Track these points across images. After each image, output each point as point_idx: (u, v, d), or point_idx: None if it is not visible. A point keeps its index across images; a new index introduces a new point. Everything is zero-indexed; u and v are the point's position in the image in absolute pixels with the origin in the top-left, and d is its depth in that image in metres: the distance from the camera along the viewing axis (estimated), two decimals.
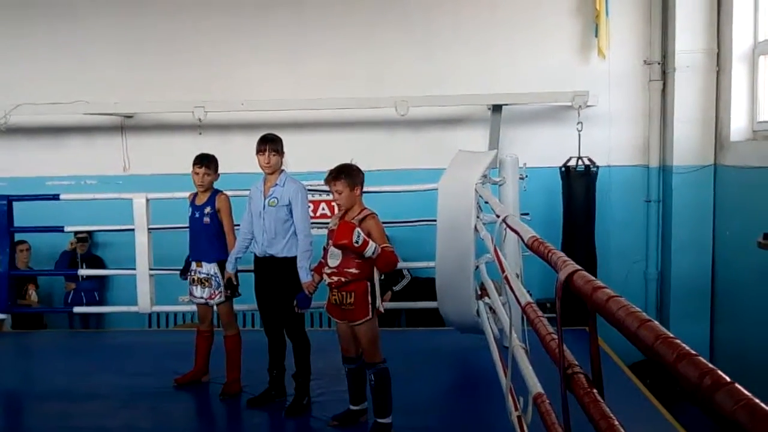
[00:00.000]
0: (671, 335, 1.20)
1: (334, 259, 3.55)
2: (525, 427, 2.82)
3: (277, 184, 4.06)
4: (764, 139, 5.89)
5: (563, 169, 6.51)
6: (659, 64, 6.84)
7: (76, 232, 6.76)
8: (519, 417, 2.93)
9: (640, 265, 7.01)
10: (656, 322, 1.28)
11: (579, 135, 6.47)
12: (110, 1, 7.38)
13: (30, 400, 4.56)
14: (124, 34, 7.36)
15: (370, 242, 3.44)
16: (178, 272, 4.69)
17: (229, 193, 4.50)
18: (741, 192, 6.06)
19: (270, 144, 4.03)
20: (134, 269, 5.71)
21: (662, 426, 3.71)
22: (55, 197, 5.97)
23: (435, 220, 4.83)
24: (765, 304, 5.53)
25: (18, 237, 6.34)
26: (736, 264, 6.14)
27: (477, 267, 4.66)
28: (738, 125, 6.21)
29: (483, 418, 3.89)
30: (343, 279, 3.53)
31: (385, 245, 3.51)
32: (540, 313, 2.46)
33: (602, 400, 1.69)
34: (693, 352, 1.11)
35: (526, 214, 5.18)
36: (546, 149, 6.73)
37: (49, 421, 4.08)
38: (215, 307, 4.46)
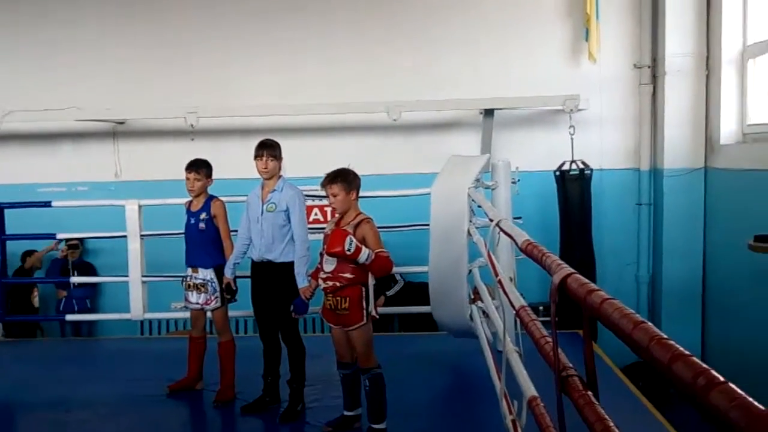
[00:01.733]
0: (665, 336, 1.21)
1: (330, 264, 3.56)
2: (520, 431, 2.83)
3: (275, 190, 4.06)
4: (754, 142, 5.93)
5: (558, 172, 6.53)
6: (649, 67, 6.88)
7: (66, 240, 6.74)
8: (513, 420, 2.93)
9: (632, 267, 7.04)
10: (650, 324, 1.29)
11: (572, 139, 6.49)
12: (102, 7, 7.37)
13: (23, 409, 4.53)
14: (115, 40, 7.35)
15: (363, 249, 3.44)
16: (170, 279, 4.68)
17: (223, 198, 4.49)
18: (731, 195, 6.10)
19: (267, 149, 4.04)
20: (126, 276, 5.69)
21: (655, 428, 3.72)
22: (47, 204, 5.95)
23: (428, 225, 4.84)
24: (756, 306, 5.56)
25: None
26: (726, 266, 6.18)
27: (470, 271, 4.67)
28: (728, 128, 6.25)
29: (477, 422, 3.89)
30: (338, 284, 3.54)
31: (379, 250, 3.51)
32: (534, 316, 2.47)
33: (597, 403, 1.69)
34: (687, 352, 1.12)
35: (519, 218, 5.19)
36: (538, 153, 6.77)
37: (43, 429, 4.06)
38: (209, 313, 4.45)
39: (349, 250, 3.39)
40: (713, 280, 6.50)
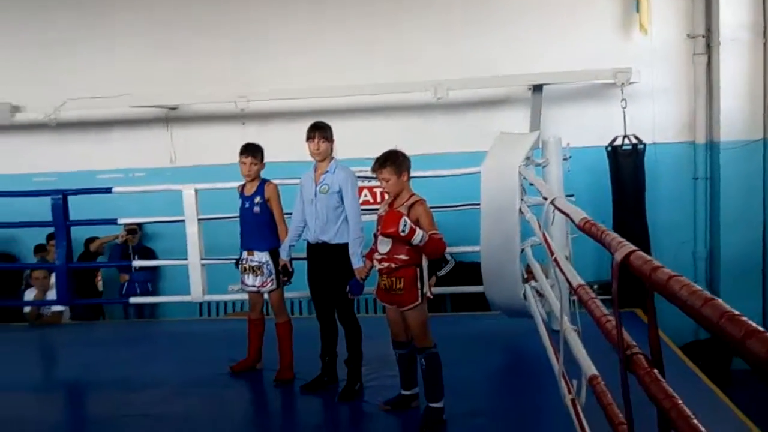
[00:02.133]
0: (737, 312, 1.20)
1: (385, 245, 3.57)
2: (579, 410, 2.83)
3: (327, 171, 4.11)
4: None
5: (609, 148, 6.43)
6: (703, 37, 6.70)
7: (125, 225, 6.93)
8: (573, 400, 2.94)
9: (689, 244, 6.90)
10: (720, 300, 1.28)
11: (624, 113, 6.37)
12: None
13: (90, 389, 4.73)
14: (164, 27, 7.49)
15: (417, 230, 3.45)
16: (228, 261, 4.78)
17: (275, 181, 4.55)
18: None
19: (319, 131, 4.08)
20: (185, 259, 5.84)
21: (719, 406, 3.67)
22: (108, 190, 6.13)
23: (477, 204, 4.83)
24: None
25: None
26: None
27: (523, 250, 4.65)
28: None
29: (535, 402, 3.90)
30: (393, 265, 3.56)
31: (433, 232, 3.52)
32: (593, 294, 2.46)
33: (664, 380, 1.69)
34: (760, 328, 1.11)
35: (571, 195, 5.13)
36: (589, 128, 6.67)
37: (109, 409, 4.21)
38: (266, 295, 4.54)
39: (403, 231, 3.41)
40: None
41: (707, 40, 6.68)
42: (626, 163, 6.39)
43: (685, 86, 6.84)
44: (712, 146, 6.71)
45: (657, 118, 6.84)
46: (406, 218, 3.45)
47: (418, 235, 3.45)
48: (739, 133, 6.43)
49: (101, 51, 7.55)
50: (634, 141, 6.37)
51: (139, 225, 7.21)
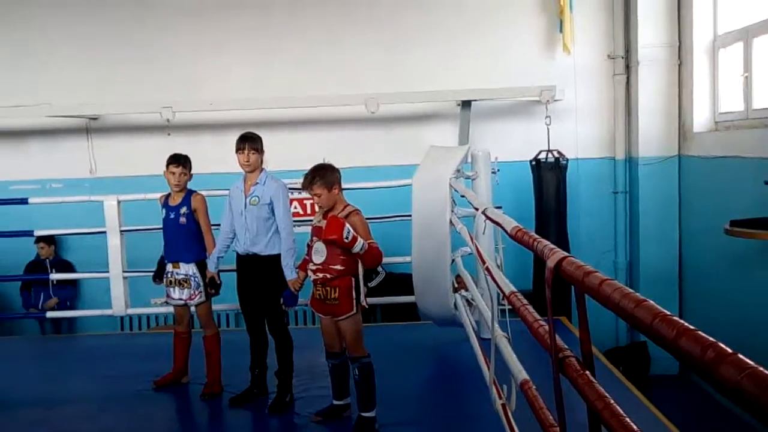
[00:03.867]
0: (668, 313, 1.25)
1: (319, 255, 3.57)
2: (510, 415, 2.88)
3: (258, 183, 4.06)
4: (726, 130, 6.06)
5: (533, 162, 6.61)
6: (623, 58, 6.99)
7: (38, 237, 6.64)
8: (503, 405, 2.99)
9: (610, 255, 7.16)
10: (652, 302, 1.32)
11: (548, 129, 6.57)
12: (72, 3, 7.25)
13: (6, 407, 4.46)
14: (87, 35, 7.24)
15: (359, 238, 3.46)
16: (150, 274, 4.64)
17: (202, 192, 4.47)
18: (705, 181, 6.23)
19: (249, 142, 4.03)
20: (106, 272, 5.64)
21: (641, 408, 3.81)
22: (23, 201, 5.86)
23: (408, 216, 4.87)
24: (732, 290, 5.70)
25: None
26: (702, 252, 6.31)
27: (453, 260, 4.71)
28: (700, 117, 6.37)
29: (467, 409, 3.94)
30: (328, 275, 3.55)
31: (370, 241, 3.54)
32: (525, 301, 2.51)
33: (596, 381, 1.74)
34: (692, 327, 1.15)
35: (500, 207, 5.23)
36: (515, 143, 6.84)
37: (27, 427, 4.01)
38: (193, 308, 4.44)
39: (347, 237, 3.41)
40: (689, 265, 6.64)
41: (626, 60, 6.97)
42: (549, 177, 6.58)
43: (605, 104, 7.11)
44: (631, 162, 6.99)
45: (579, 135, 7.09)
46: (349, 225, 3.45)
47: (360, 243, 3.45)
48: (656, 150, 6.72)
49: (17, 59, 7.24)
50: (557, 156, 6.57)
51: (53, 237, 6.90)
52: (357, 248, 3.45)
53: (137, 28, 7.23)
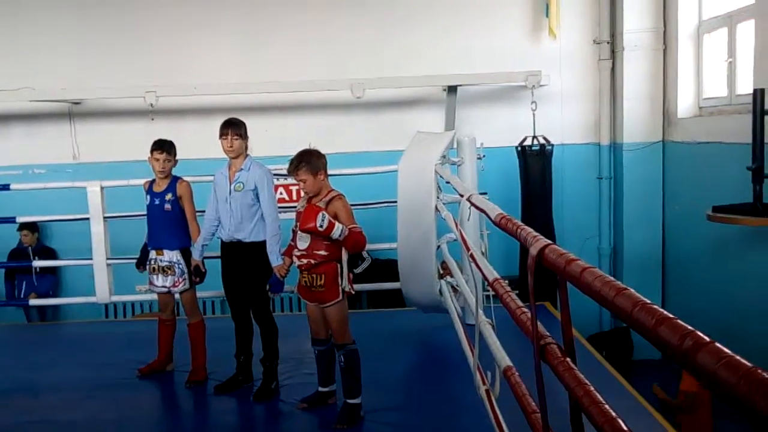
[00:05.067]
0: (648, 301, 1.25)
1: (303, 241, 3.56)
2: (494, 400, 2.90)
3: (242, 169, 4.04)
4: (710, 115, 6.09)
5: (519, 148, 6.61)
6: (608, 43, 6.98)
7: (21, 224, 6.58)
8: (487, 391, 3.00)
9: (594, 240, 7.19)
10: (633, 290, 1.33)
11: (533, 114, 6.57)
12: None
13: None
14: (69, 18, 7.14)
15: (336, 224, 3.45)
16: (134, 261, 4.61)
17: (186, 179, 4.44)
18: (689, 167, 6.26)
19: (232, 128, 4.01)
20: (89, 259, 5.60)
21: (623, 394, 3.84)
22: (5, 187, 5.79)
23: (393, 202, 4.87)
24: (714, 276, 5.75)
25: None
26: (685, 237, 6.36)
27: (438, 247, 4.72)
28: (685, 102, 6.39)
29: (451, 394, 3.96)
30: (312, 261, 3.55)
31: (352, 226, 3.53)
32: (508, 288, 2.52)
33: (576, 368, 1.75)
34: (671, 315, 1.16)
35: (485, 193, 5.24)
36: (500, 129, 6.82)
37: (10, 416, 3.99)
38: (178, 295, 4.42)
39: (321, 226, 3.40)
40: (672, 250, 6.69)
41: (612, 45, 6.97)
42: (534, 163, 6.59)
43: (591, 90, 7.11)
44: (616, 147, 7.02)
45: (565, 120, 7.09)
46: (324, 213, 3.44)
47: (337, 230, 3.45)
48: (640, 136, 6.74)
49: (2, 43, 7.13)
50: (543, 142, 6.57)
51: (36, 224, 6.83)
52: (335, 234, 3.45)
53: (121, 12, 7.13)
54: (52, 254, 6.95)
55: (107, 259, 5.55)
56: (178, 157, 4.38)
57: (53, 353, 5.11)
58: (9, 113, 7.19)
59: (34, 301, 6.22)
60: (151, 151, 4.26)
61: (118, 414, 3.98)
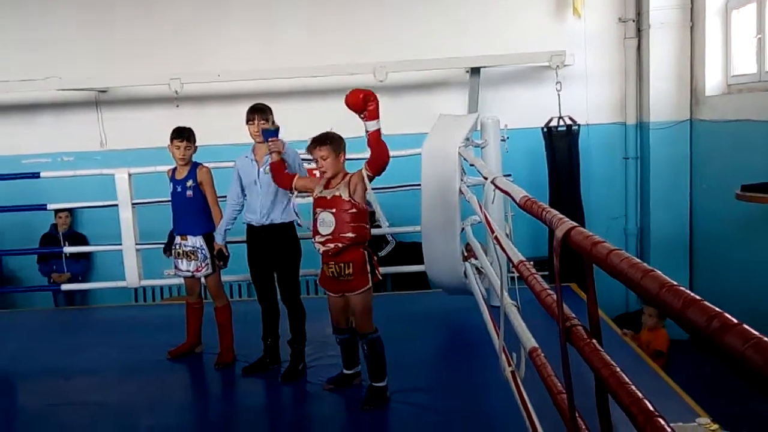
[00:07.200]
0: (675, 283, 1.25)
1: (326, 226, 3.49)
2: (519, 382, 2.90)
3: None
4: (738, 93, 5.98)
5: (545, 129, 6.56)
6: (634, 21, 6.88)
7: (56, 211, 6.69)
8: (512, 372, 3.01)
9: (620, 221, 7.13)
10: (659, 272, 1.32)
11: (558, 95, 6.50)
12: None
13: (19, 380, 4.55)
14: (94, 8, 7.20)
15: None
16: (162, 246, 4.69)
17: (208, 165, 4.48)
18: (717, 146, 6.17)
19: (259, 113, 4.04)
20: (119, 245, 5.68)
21: (650, 376, 3.83)
22: (35, 175, 5.89)
23: (417, 185, 4.86)
24: (742, 255, 5.68)
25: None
26: (713, 216, 6.28)
27: (463, 229, 4.72)
28: (713, 80, 6.29)
29: (477, 376, 3.98)
30: (340, 245, 3.47)
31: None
32: (533, 270, 2.51)
33: (602, 350, 1.75)
34: (698, 297, 1.15)
35: (509, 175, 5.22)
36: (525, 110, 6.76)
37: (43, 399, 4.07)
38: (203, 280, 4.48)
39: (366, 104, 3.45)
40: (700, 230, 6.61)
41: (637, 24, 6.86)
42: (560, 144, 6.54)
43: (616, 69, 7.02)
44: (642, 127, 6.93)
45: (590, 100, 7.01)
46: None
47: (376, 122, 3.47)
48: (667, 114, 6.65)
49: (29, 32, 7.22)
50: (569, 122, 6.52)
51: (70, 211, 6.97)
52: (372, 125, 3.47)
53: (146, 1, 7.18)
54: (82, 240, 7.07)
55: (136, 244, 5.63)
56: (201, 143, 4.42)
57: (84, 337, 5.21)
58: (37, 102, 7.30)
59: (65, 286, 6.33)
60: (171, 140, 4.31)
61: (148, 396, 4.05)
